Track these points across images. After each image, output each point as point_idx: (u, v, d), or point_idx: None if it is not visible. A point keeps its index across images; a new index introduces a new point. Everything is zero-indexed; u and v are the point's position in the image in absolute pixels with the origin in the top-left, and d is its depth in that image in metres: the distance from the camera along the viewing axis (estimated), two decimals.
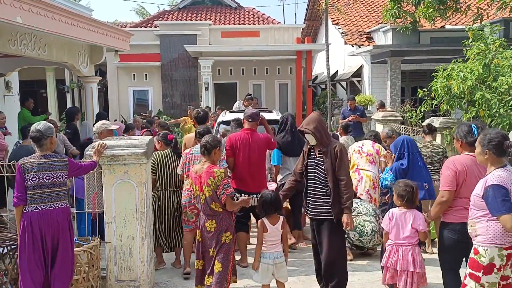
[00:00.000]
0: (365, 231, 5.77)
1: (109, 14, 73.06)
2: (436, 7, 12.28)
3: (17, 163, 4.11)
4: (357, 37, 17.17)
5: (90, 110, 9.99)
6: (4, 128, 8.04)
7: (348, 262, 4.70)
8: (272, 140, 5.95)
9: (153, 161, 5.53)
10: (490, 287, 3.41)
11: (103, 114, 9.83)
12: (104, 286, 4.89)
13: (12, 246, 4.54)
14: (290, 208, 6.46)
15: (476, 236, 3.50)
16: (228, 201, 4.27)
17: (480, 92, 7.49)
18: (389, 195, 4.97)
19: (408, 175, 4.80)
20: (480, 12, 11.55)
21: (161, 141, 5.85)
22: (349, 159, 6.54)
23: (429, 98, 8.88)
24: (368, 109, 14.47)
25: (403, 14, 13.39)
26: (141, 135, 7.62)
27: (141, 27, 18.45)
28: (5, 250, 4.56)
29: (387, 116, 10.73)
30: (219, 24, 18.34)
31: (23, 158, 4.15)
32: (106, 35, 8.65)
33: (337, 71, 19.60)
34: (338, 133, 8.48)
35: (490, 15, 12.09)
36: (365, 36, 17.28)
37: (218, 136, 6.94)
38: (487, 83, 7.77)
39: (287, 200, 6.18)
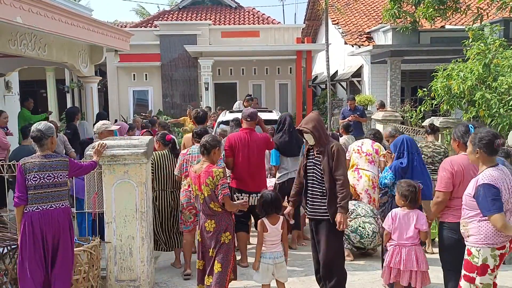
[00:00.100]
0: (366, 233, 5.77)
1: (109, 14, 73.14)
2: (436, 7, 12.29)
3: (18, 163, 4.11)
4: (357, 37, 17.17)
5: (90, 110, 10.00)
6: (6, 128, 8.05)
7: (348, 262, 4.70)
8: (271, 140, 5.96)
9: (151, 161, 5.52)
10: None
11: (103, 114, 9.82)
12: (104, 286, 4.89)
13: (12, 246, 4.54)
14: None
15: (468, 237, 3.50)
16: (226, 201, 4.27)
17: (480, 92, 7.50)
18: (389, 194, 4.95)
19: (407, 174, 4.80)
20: (480, 12, 11.56)
21: (159, 141, 5.85)
22: (349, 159, 6.57)
23: (429, 98, 8.90)
24: (368, 109, 14.48)
25: (403, 14, 13.41)
26: (141, 135, 7.62)
27: (141, 27, 18.46)
28: (5, 250, 4.57)
29: (387, 116, 10.74)
30: (219, 24, 18.34)
31: (24, 158, 4.15)
32: (106, 35, 8.65)
33: (337, 71, 19.60)
34: (338, 133, 8.49)
35: (490, 15, 12.10)
36: (365, 36, 17.28)
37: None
38: (487, 83, 7.78)
39: (287, 200, 6.21)
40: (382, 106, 11.56)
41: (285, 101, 17.72)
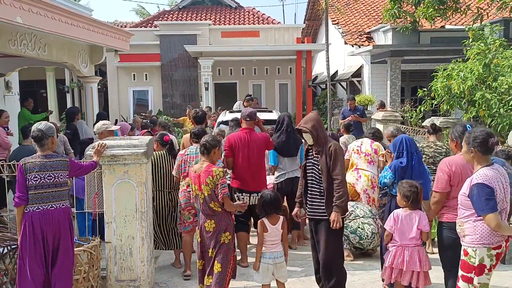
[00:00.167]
0: (365, 234, 5.77)
1: (109, 14, 73.10)
2: (436, 7, 12.31)
3: (19, 163, 4.11)
4: (357, 37, 17.17)
5: (90, 110, 10.00)
6: (7, 128, 8.06)
7: (348, 262, 4.69)
8: (270, 140, 5.96)
9: None
10: None
11: (104, 114, 9.82)
12: (104, 286, 4.89)
13: (12, 246, 4.54)
14: (288, 208, 6.46)
15: (464, 237, 3.50)
16: (226, 200, 4.28)
17: (480, 92, 7.50)
18: (388, 193, 4.95)
19: (407, 174, 4.80)
20: (480, 12, 11.57)
21: (157, 142, 5.85)
22: (349, 158, 6.57)
23: (429, 98, 8.90)
24: (368, 109, 14.48)
25: (403, 14, 13.42)
26: (141, 135, 7.62)
27: (141, 27, 18.46)
28: (5, 250, 4.57)
29: (387, 116, 10.74)
30: (219, 24, 18.35)
31: (24, 158, 4.15)
32: (106, 35, 8.66)
33: (337, 71, 19.61)
34: (338, 133, 8.48)
35: (490, 15, 12.11)
36: (365, 36, 17.28)
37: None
38: (487, 83, 7.79)
39: (286, 200, 6.21)
40: (382, 106, 11.56)
41: (285, 101, 17.72)
